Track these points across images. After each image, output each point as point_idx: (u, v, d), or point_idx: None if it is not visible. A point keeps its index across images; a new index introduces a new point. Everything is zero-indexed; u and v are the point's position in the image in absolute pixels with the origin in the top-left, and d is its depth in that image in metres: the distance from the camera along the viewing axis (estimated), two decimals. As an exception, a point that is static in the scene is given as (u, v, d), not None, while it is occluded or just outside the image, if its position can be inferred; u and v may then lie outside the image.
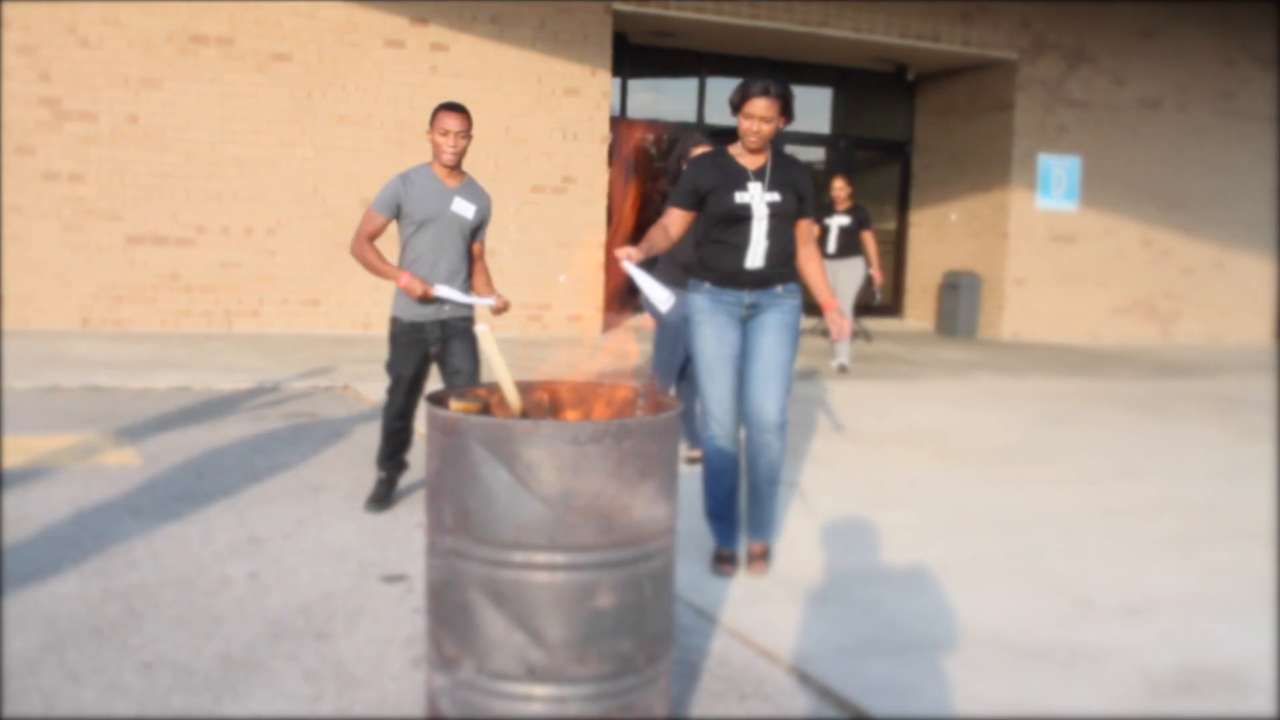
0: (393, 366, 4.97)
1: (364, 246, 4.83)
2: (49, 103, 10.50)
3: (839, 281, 10.32)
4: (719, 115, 15.15)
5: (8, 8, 10.24)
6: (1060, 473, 6.43)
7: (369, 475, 5.65)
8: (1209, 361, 13.10)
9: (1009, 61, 14.47)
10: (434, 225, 4.79)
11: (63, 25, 10.48)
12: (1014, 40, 14.38)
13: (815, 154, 16.37)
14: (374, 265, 4.81)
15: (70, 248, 10.64)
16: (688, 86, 15.07)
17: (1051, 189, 14.72)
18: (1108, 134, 15.03)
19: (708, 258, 4.27)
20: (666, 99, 15.15)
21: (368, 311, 11.63)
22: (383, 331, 11.51)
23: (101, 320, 10.78)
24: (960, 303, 14.80)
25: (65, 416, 6.77)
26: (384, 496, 5.07)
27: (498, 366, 3.04)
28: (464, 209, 4.84)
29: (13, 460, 5.56)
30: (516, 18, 12.00)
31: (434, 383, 5.91)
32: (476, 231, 4.95)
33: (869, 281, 10.77)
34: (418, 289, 4.73)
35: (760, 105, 4.10)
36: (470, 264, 4.99)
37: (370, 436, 6.59)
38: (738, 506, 4.39)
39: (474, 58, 11.81)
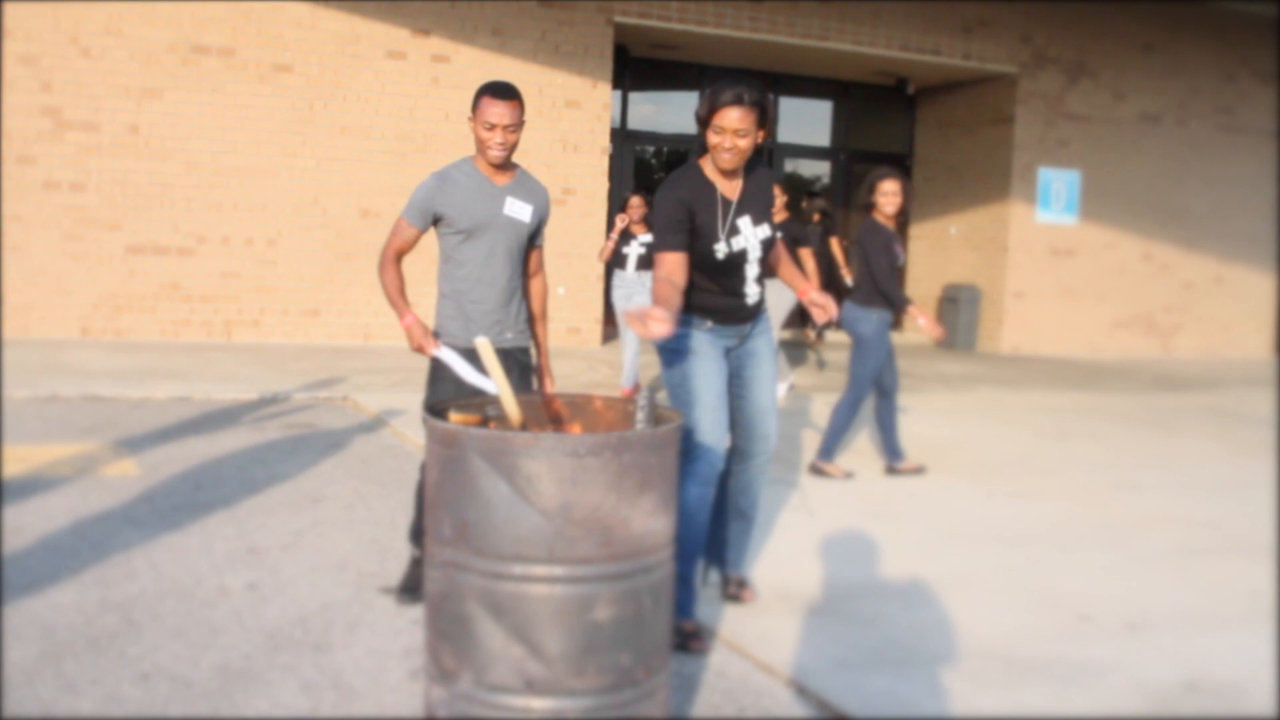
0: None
1: (387, 267, 3.93)
2: (50, 112, 10.51)
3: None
4: (719, 128, 15.16)
5: (10, 15, 10.26)
6: (1059, 486, 6.42)
7: (368, 487, 5.65)
8: (1208, 376, 13.10)
9: (1009, 75, 14.50)
10: (485, 234, 3.91)
11: (65, 35, 10.50)
12: (1014, 54, 14.42)
13: (816, 167, 16.40)
14: (390, 294, 3.91)
15: (70, 257, 10.65)
16: (688, 99, 15.10)
17: (1051, 202, 14.74)
18: (1108, 148, 15.06)
19: (708, 304, 3.76)
20: (667, 111, 15.19)
21: (367, 322, 11.63)
22: (383, 341, 11.53)
23: (101, 330, 10.78)
24: (960, 316, 14.81)
25: (64, 426, 6.76)
26: (420, 583, 3.96)
27: (497, 378, 3.05)
28: (519, 211, 3.96)
29: (12, 470, 5.56)
30: (518, 30, 12.03)
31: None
32: (534, 236, 4.09)
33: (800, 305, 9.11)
34: (416, 338, 3.84)
35: (733, 116, 3.52)
36: (526, 280, 4.12)
37: (369, 447, 6.59)
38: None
39: (475, 69, 11.83)
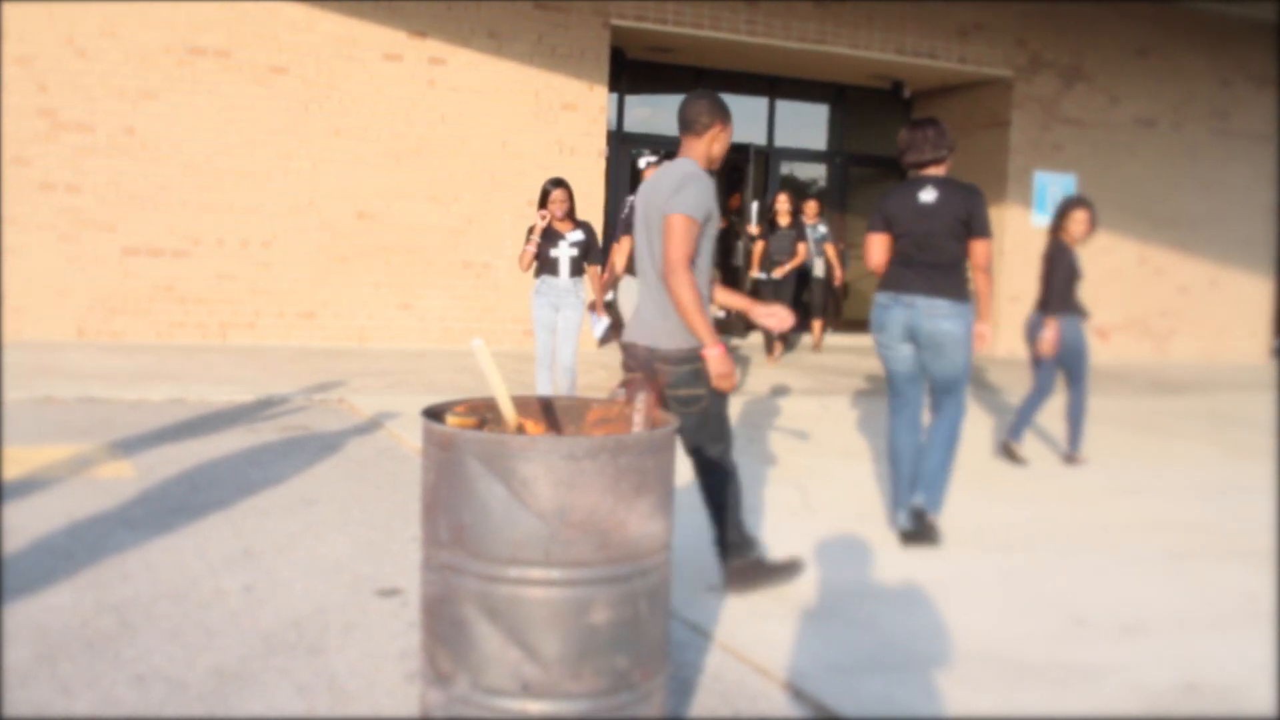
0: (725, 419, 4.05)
1: (692, 281, 3.83)
2: (46, 113, 10.50)
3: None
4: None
5: (5, 16, 10.24)
6: (1055, 490, 6.43)
7: (363, 489, 5.64)
8: (1203, 379, 13.12)
9: (1005, 79, 14.53)
10: (711, 240, 4.03)
11: (60, 36, 10.49)
12: (1010, 58, 14.44)
13: (812, 170, 16.41)
14: (701, 313, 3.81)
15: (66, 259, 10.64)
16: (685, 102, 15.10)
17: (1047, 206, 14.75)
18: (1103, 152, 15.08)
19: None
20: (663, 114, 15.20)
21: (363, 325, 11.62)
22: (378, 344, 11.52)
23: (96, 331, 10.77)
24: (955, 319, 14.80)
25: (60, 428, 6.75)
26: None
27: (494, 381, 3.04)
28: None
29: (7, 472, 5.55)
30: (514, 32, 12.03)
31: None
32: None
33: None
34: (730, 369, 3.89)
35: None
36: None
37: (364, 449, 6.58)
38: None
39: (472, 72, 11.84)
